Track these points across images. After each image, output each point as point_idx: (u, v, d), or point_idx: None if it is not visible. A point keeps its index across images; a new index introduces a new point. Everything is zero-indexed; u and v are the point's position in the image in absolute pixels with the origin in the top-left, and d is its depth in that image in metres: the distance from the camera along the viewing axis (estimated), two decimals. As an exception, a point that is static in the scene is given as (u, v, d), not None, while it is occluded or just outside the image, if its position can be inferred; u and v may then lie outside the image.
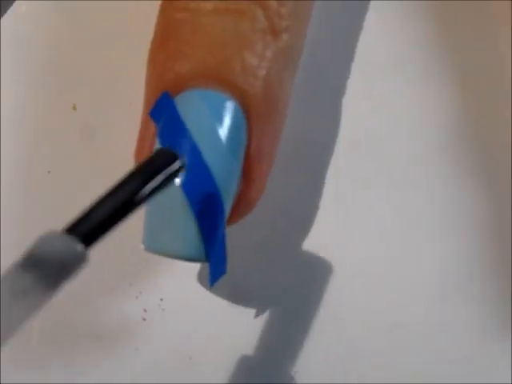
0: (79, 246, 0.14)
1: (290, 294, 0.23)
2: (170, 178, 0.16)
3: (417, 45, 0.24)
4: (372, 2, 0.25)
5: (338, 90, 0.24)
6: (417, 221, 0.23)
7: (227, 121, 0.18)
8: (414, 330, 0.23)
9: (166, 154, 0.16)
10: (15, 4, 0.25)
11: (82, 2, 0.25)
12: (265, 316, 0.23)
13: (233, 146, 0.18)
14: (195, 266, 0.23)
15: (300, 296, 0.23)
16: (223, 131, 0.18)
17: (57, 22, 0.25)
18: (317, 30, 0.24)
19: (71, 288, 0.23)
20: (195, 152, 0.17)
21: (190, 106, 0.18)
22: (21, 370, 0.23)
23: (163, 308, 0.23)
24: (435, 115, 0.24)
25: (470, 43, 0.24)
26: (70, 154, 0.24)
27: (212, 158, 0.18)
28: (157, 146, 0.18)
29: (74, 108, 0.24)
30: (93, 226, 0.15)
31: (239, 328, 0.23)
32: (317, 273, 0.23)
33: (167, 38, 0.19)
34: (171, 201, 0.17)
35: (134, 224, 0.23)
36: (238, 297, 0.23)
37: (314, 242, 0.23)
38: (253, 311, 0.23)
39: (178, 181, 0.17)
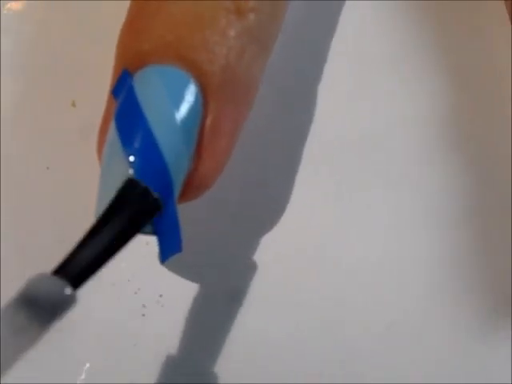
0: (68, 290, 0.15)
1: (287, 293, 0.23)
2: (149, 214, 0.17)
3: (413, 45, 0.24)
4: (367, 2, 0.25)
5: (334, 90, 0.24)
6: (414, 220, 0.23)
7: (183, 98, 0.18)
8: (412, 329, 0.23)
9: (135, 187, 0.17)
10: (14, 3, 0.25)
11: (82, 2, 0.25)
12: (263, 314, 0.23)
13: (186, 123, 0.18)
14: (195, 264, 0.23)
15: (297, 295, 0.23)
16: (177, 108, 0.18)
17: (56, 21, 0.25)
18: (310, 30, 0.25)
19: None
20: (146, 129, 0.17)
21: (146, 82, 0.18)
22: (21, 369, 0.23)
23: (162, 304, 0.23)
24: (432, 115, 0.24)
25: (465, 43, 0.24)
26: (68, 151, 0.24)
27: (163, 136, 0.17)
28: (112, 124, 0.18)
29: (74, 105, 0.24)
30: (80, 269, 0.16)
31: (238, 324, 0.23)
32: (313, 272, 0.23)
33: (134, 19, 0.19)
34: (120, 173, 0.17)
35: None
36: (236, 293, 0.23)
37: (311, 242, 0.23)
38: (251, 310, 0.23)
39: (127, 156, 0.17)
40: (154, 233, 0.18)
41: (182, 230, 0.19)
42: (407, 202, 0.23)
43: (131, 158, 0.17)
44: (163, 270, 0.23)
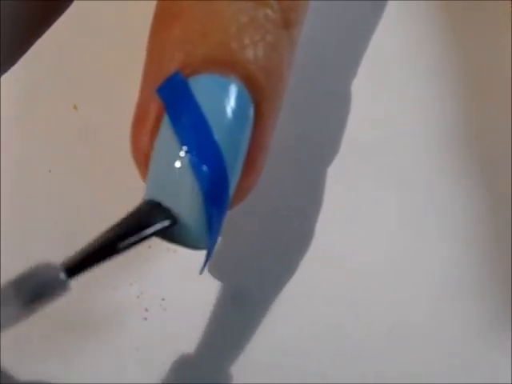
0: (62, 275, 0.16)
1: (290, 294, 0.23)
2: (156, 234, 0.17)
3: (418, 47, 0.24)
4: (376, 3, 0.25)
5: (340, 92, 0.24)
6: (417, 221, 0.23)
7: (238, 107, 0.18)
8: (413, 330, 0.23)
9: (158, 210, 0.17)
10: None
11: (82, 2, 0.25)
12: (265, 316, 0.23)
13: (241, 131, 0.18)
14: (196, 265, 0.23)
15: (300, 296, 0.23)
16: (233, 116, 0.18)
17: (57, 23, 0.25)
18: (321, 31, 0.24)
19: (72, 288, 0.23)
20: (207, 131, 0.17)
21: (202, 89, 0.18)
22: (21, 369, 0.23)
23: (164, 308, 0.23)
24: (436, 116, 0.24)
25: (475, 47, 0.24)
26: (70, 153, 0.24)
27: (222, 140, 0.17)
28: (165, 124, 0.18)
29: (75, 107, 0.24)
30: (77, 260, 0.16)
31: (240, 328, 0.23)
32: (316, 274, 0.23)
33: (175, 18, 0.19)
34: (178, 182, 0.17)
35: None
36: (238, 297, 0.23)
37: (315, 243, 0.23)
38: (253, 311, 0.23)
39: (186, 163, 0.17)
40: (205, 248, 0.18)
41: None
42: (410, 204, 0.23)
43: (195, 169, 0.17)
44: (165, 274, 0.23)
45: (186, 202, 0.17)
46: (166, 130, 0.17)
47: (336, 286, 0.23)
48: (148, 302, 0.23)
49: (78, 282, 0.23)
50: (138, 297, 0.23)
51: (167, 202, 0.17)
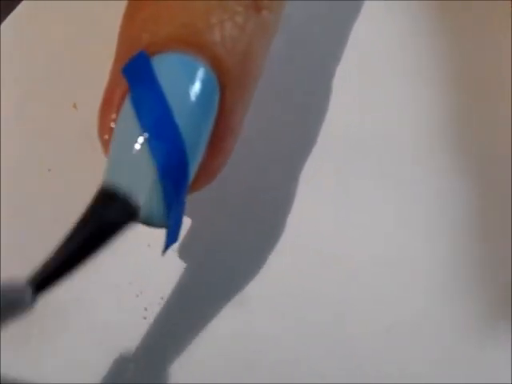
0: (27, 294, 0.16)
1: (288, 294, 0.23)
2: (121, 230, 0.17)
3: (415, 45, 0.24)
4: (370, 2, 0.25)
5: (336, 92, 0.24)
6: (415, 220, 0.23)
7: (202, 88, 0.18)
8: (412, 330, 0.23)
9: (117, 203, 0.17)
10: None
11: (82, 2, 0.25)
12: (265, 316, 0.23)
13: (204, 114, 0.18)
14: (197, 267, 0.23)
15: (298, 296, 0.23)
16: (197, 98, 0.17)
17: (57, 22, 0.25)
18: (313, 31, 0.24)
19: (72, 287, 0.23)
20: (167, 112, 0.17)
21: (166, 69, 0.18)
22: (21, 369, 0.23)
23: (164, 306, 0.23)
24: (434, 115, 0.24)
25: (467, 44, 0.24)
26: (70, 153, 0.24)
27: (183, 122, 0.17)
28: (127, 104, 0.18)
29: (75, 106, 0.24)
30: (43, 275, 0.16)
31: (240, 327, 0.23)
32: (314, 273, 0.23)
33: (148, 3, 0.19)
34: (136, 162, 0.17)
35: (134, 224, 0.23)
36: (236, 296, 0.23)
37: (312, 242, 0.23)
38: (252, 311, 0.23)
39: (141, 141, 0.17)
40: (165, 226, 0.18)
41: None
42: (407, 202, 0.23)
43: (152, 144, 0.17)
44: (165, 273, 0.23)
45: (143, 182, 0.17)
46: (128, 111, 0.17)
47: (333, 285, 0.23)
48: (147, 301, 0.23)
49: (78, 282, 0.23)
50: (137, 296, 0.23)
51: (124, 183, 0.17)
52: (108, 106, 0.18)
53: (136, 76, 0.18)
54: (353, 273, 0.23)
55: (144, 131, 0.17)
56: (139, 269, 0.23)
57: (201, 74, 0.18)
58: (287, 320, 0.23)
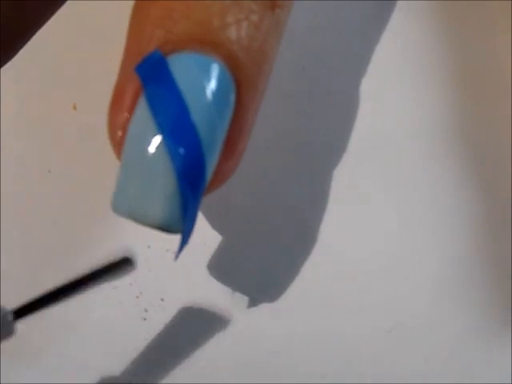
0: (8, 317, 0.17)
1: (291, 294, 0.23)
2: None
3: (416, 46, 0.24)
4: (369, 2, 0.25)
5: (340, 92, 0.24)
6: (418, 222, 0.23)
7: (218, 88, 0.17)
8: (413, 330, 0.23)
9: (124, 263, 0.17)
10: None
11: (83, 2, 0.25)
12: (265, 317, 0.23)
13: (221, 113, 0.17)
14: (197, 268, 0.23)
15: (300, 296, 0.23)
16: (213, 97, 0.17)
17: (57, 22, 0.25)
18: (321, 31, 0.24)
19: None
20: (185, 114, 0.17)
21: (182, 68, 0.17)
22: (21, 369, 0.23)
23: (164, 308, 0.23)
24: (436, 117, 0.24)
25: (469, 45, 0.24)
26: (70, 154, 0.24)
27: (200, 122, 0.17)
28: (142, 104, 0.17)
29: (75, 108, 0.24)
30: (25, 305, 0.17)
31: (239, 327, 0.23)
32: (316, 274, 0.23)
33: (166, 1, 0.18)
34: (152, 163, 0.17)
35: (133, 224, 0.23)
36: (237, 296, 0.23)
37: (313, 243, 0.23)
38: (253, 311, 0.23)
39: (161, 145, 0.16)
40: (180, 231, 0.17)
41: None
42: (407, 204, 0.23)
43: (170, 150, 0.16)
44: (165, 274, 0.23)
45: (159, 184, 0.16)
46: (143, 110, 0.17)
47: (336, 286, 0.23)
48: (147, 302, 0.23)
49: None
50: (137, 297, 0.23)
51: (140, 186, 0.17)
52: (119, 104, 0.18)
53: (151, 75, 0.17)
54: (355, 274, 0.23)
55: (161, 131, 0.16)
56: (139, 270, 0.23)
57: (217, 72, 0.17)
58: (287, 320, 0.23)
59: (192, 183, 0.17)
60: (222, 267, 0.23)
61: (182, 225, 0.17)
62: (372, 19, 0.24)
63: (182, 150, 0.16)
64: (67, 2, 0.25)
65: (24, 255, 0.24)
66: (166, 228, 0.17)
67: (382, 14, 0.24)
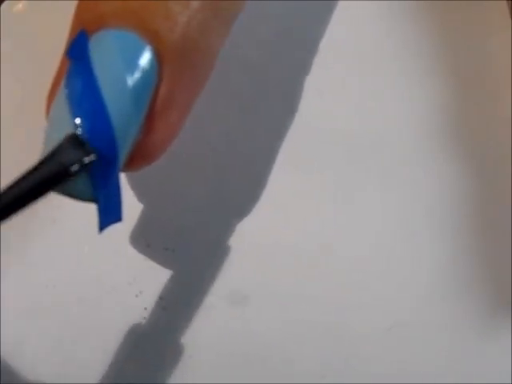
0: None
1: (289, 294, 0.23)
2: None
3: (415, 45, 0.24)
4: (367, 2, 0.25)
5: (334, 91, 0.24)
6: (416, 220, 0.23)
7: (137, 64, 0.18)
8: (413, 329, 0.23)
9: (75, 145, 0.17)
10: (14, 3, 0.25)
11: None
12: (264, 316, 0.23)
13: (138, 90, 0.18)
14: (196, 267, 0.23)
15: (298, 297, 0.23)
16: (130, 74, 0.17)
17: (56, 21, 0.25)
18: (309, 30, 0.24)
19: (72, 287, 0.23)
20: (95, 92, 0.17)
21: (102, 45, 0.18)
22: (21, 369, 0.23)
23: (163, 307, 0.23)
24: (436, 116, 0.24)
25: (465, 43, 0.24)
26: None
27: (113, 101, 0.17)
28: (63, 83, 0.18)
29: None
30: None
31: (239, 327, 0.23)
32: (314, 274, 0.23)
33: None
34: (63, 133, 0.17)
35: (134, 224, 0.23)
36: (237, 295, 0.23)
37: (312, 242, 0.23)
38: (252, 311, 0.23)
39: (75, 120, 0.17)
40: (94, 200, 0.18)
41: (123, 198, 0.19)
42: (406, 202, 0.24)
43: (77, 120, 0.17)
44: (164, 273, 0.23)
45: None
46: (62, 92, 0.18)
47: (335, 285, 0.23)
48: (147, 301, 0.23)
49: (78, 281, 0.23)
50: (136, 296, 0.23)
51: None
52: (53, 90, 0.19)
53: (75, 54, 0.18)
54: (353, 272, 0.23)
55: (69, 101, 0.17)
56: (138, 269, 0.23)
57: (136, 48, 0.18)
58: (287, 320, 0.23)
59: (102, 159, 0.17)
60: (218, 267, 0.23)
61: (92, 192, 0.17)
62: (371, 19, 0.25)
63: (85, 119, 0.17)
64: (67, 2, 0.25)
65: (24, 255, 0.24)
66: (79, 197, 0.18)
67: (380, 14, 0.25)
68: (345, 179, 0.24)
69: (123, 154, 0.18)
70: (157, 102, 0.18)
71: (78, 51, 0.18)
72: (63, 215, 0.24)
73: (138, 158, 0.19)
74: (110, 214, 0.18)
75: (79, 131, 0.17)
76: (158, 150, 0.19)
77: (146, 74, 0.18)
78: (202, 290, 0.23)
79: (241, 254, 0.23)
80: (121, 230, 0.23)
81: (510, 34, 0.24)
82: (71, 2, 0.25)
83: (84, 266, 0.23)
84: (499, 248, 0.23)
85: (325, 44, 0.24)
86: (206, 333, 0.23)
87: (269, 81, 0.24)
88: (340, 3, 0.25)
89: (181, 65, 0.18)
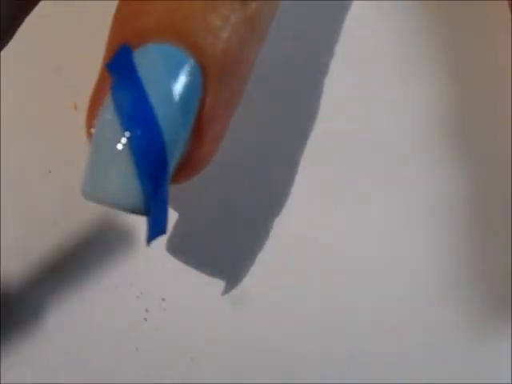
0: None
1: (289, 294, 0.23)
2: None
3: (415, 45, 0.24)
4: (368, 2, 0.25)
5: (335, 91, 0.24)
6: (418, 221, 0.23)
7: (183, 77, 0.18)
8: (412, 330, 0.23)
9: None
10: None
11: (83, 2, 0.25)
12: (265, 317, 0.23)
13: (185, 103, 0.18)
14: (197, 268, 0.23)
15: (297, 296, 0.23)
16: (177, 87, 0.18)
17: (58, 22, 0.25)
18: (311, 31, 0.24)
19: (72, 287, 0.23)
20: (146, 104, 0.17)
21: (148, 60, 0.18)
22: (21, 369, 0.23)
23: (165, 308, 0.23)
24: (436, 116, 0.24)
25: (466, 43, 0.24)
26: (70, 154, 0.24)
27: (162, 113, 0.17)
28: (108, 97, 0.18)
29: (75, 107, 0.24)
30: None
31: (240, 328, 0.23)
32: (314, 273, 0.23)
33: None
34: (115, 148, 0.17)
35: (134, 224, 0.23)
36: (238, 297, 0.23)
37: (312, 242, 0.23)
38: (253, 311, 0.23)
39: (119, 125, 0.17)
40: (146, 213, 0.18)
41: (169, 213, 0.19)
42: (405, 202, 0.23)
43: (128, 134, 0.17)
44: (166, 274, 0.23)
45: (118, 166, 0.17)
46: (109, 103, 0.18)
47: (335, 285, 0.23)
48: (148, 302, 0.23)
49: (78, 281, 0.23)
50: (137, 297, 0.23)
51: (102, 170, 0.17)
52: (95, 106, 0.19)
53: (118, 68, 0.18)
54: (353, 272, 0.23)
55: (119, 115, 0.17)
56: (140, 270, 0.23)
57: (180, 60, 0.18)
58: (287, 320, 0.23)
59: (151, 164, 0.17)
60: (220, 268, 0.23)
61: (144, 204, 0.17)
62: (371, 19, 0.25)
63: (138, 137, 0.17)
64: (67, 3, 0.25)
65: (24, 255, 0.24)
66: (130, 210, 0.18)
67: (380, 14, 0.25)
68: (345, 179, 0.24)
69: (172, 167, 0.18)
70: (202, 115, 0.18)
71: (122, 65, 0.18)
72: (63, 215, 0.24)
73: (185, 170, 0.19)
74: (157, 227, 0.18)
75: (130, 144, 0.17)
76: (204, 161, 0.19)
77: (192, 87, 0.18)
78: (203, 292, 0.23)
79: (242, 254, 0.23)
80: (122, 231, 0.23)
81: (510, 34, 0.24)
82: (72, 2, 0.25)
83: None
84: (499, 248, 0.23)
85: (325, 44, 0.24)
86: (208, 335, 0.23)
87: (268, 82, 0.24)
88: (342, 3, 0.25)
89: (223, 78, 0.19)
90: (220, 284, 0.23)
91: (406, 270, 0.23)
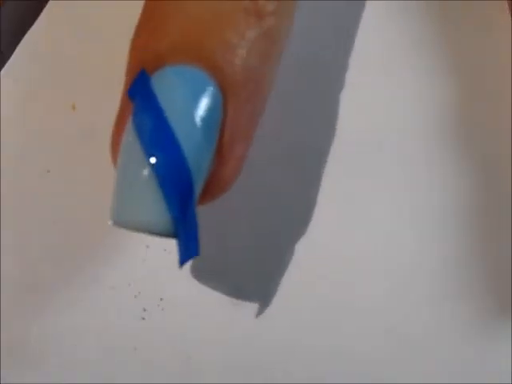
0: None
1: (288, 294, 0.23)
2: None
3: (415, 45, 0.24)
4: (368, 2, 0.25)
5: (337, 89, 0.24)
6: (417, 221, 0.23)
7: (203, 98, 0.18)
8: (411, 330, 0.23)
9: None
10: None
11: (83, 3, 0.25)
12: (263, 318, 0.23)
13: (207, 124, 0.18)
14: (196, 267, 0.23)
15: (297, 299, 0.23)
16: (198, 109, 0.18)
17: (57, 23, 0.25)
18: (317, 32, 0.24)
19: (70, 288, 0.23)
20: (167, 129, 0.17)
21: (166, 83, 0.18)
22: (20, 369, 0.23)
23: (163, 308, 0.23)
24: (436, 116, 0.24)
25: (468, 43, 0.24)
26: (69, 154, 0.24)
27: (184, 136, 0.17)
28: (130, 124, 0.18)
29: (74, 107, 0.24)
30: None
31: (239, 328, 0.23)
32: (314, 273, 0.23)
33: (150, 18, 0.19)
34: (140, 175, 0.17)
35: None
36: (236, 296, 0.23)
37: (313, 243, 0.23)
38: (252, 311, 0.23)
39: (143, 161, 0.17)
40: (175, 235, 0.18)
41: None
42: (407, 204, 0.23)
43: (152, 160, 0.17)
44: (164, 274, 0.23)
45: (144, 191, 0.17)
46: (130, 128, 0.18)
47: (334, 286, 0.23)
48: (146, 301, 0.23)
49: (76, 281, 0.23)
50: (135, 297, 0.23)
51: (128, 196, 0.18)
52: (118, 133, 0.19)
53: (137, 93, 0.18)
54: (353, 272, 0.23)
55: (141, 140, 0.17)
56: (138, 270, 0.23)
57: (199, 81, 0.18)
58: (286, 320, 0.23)
59: (177, 188, 0.17)
60: (217, 268, 0.23)
61: (173, 228, 0.18)
62: (371, 19, 0.24)
63: (163, 164, 0.17)
64: (67, 3, 0.25)
65: (24, 255, 0.24)
66: (160, 234, 0.18)
67: (380, 14, 0.24)
68: (345, 179, 0.24)
69: (198, 188, 0.18)
70: (225, 135, 0.18)
71: (140, 91, 0.18)
72: (62, 215, 0.24)
73: (211, 191, 0.19)
74: (189, 248, 0.18)
75: (155, 170, 0.17)
76: (230, 181, 0.19)
77: (212, 107, 0.18)
78: (200, 292, 0.23)
79: (240, 254, 0.23)
80: (121, 231, 0.23)
81: (510, 34, 0.24)
82: (72, 3, 0.25)
83: (83, 267, 0.23)
84: (500, 248, 0.23)
85: (326, 47, 0.24)
86: (205, 334, 0.23)
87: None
88: (345, 4, 0.25)
89: (244, 95, 0.19)
90: (218, 284, 0.23)
91: (406, 269, 0.23)
